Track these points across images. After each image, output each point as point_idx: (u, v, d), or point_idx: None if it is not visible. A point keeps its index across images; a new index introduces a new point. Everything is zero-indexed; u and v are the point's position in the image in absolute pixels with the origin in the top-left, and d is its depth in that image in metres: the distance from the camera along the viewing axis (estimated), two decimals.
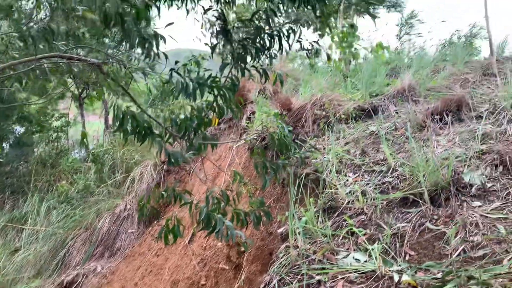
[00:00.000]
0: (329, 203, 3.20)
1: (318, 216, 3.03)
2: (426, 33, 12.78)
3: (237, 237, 2.95)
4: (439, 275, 2.06)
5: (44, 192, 10.63)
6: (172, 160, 2.94)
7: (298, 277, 2.39)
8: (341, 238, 2.70)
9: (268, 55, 2.96)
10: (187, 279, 5.85)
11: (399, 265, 2.24)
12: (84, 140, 11.79)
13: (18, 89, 8.28)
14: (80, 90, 12.68)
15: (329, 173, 3.85)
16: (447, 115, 4.35)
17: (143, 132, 2.93)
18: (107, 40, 10.08)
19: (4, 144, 12.16)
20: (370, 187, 3.22)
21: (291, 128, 3.98)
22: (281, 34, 2.90)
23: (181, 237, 3.27)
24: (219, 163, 7.58)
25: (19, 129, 12.51)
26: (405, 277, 2.05)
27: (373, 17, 11.91)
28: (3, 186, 11.47)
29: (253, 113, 7.24)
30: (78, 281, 7.86)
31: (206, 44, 3.63)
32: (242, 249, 5.35)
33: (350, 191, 3.29)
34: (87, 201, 9.49)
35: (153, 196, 3.61)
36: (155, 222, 8.33)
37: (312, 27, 10.93)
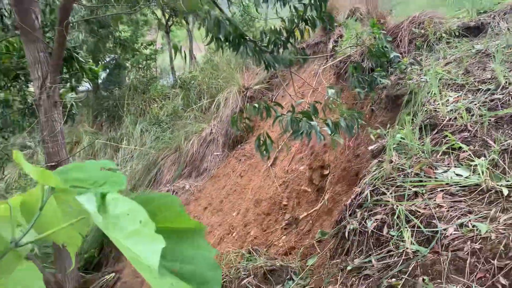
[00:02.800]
0: (428, 121, 2.99)
1: (414, 133, 2.86)
2: None
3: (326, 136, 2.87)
4: None
5: (136, 116, 11.37)
6: (269, 63, 2.88)
7: (393, 188, 2.31)
8: (440, 154, 2.53)
9: None
10: (269, 199, 6.05)
11: (508, 180, 2.06)
12: (178, 51, 12.07)
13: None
14: (166, 18, 12.93)
15: (427, 94, 3.58)
16: None
17: (236, 40, 2.90)
18: None
19: (102, 71, 13.01)
20: (475, 104, 2.95)
21: (390, 38, 3.70)
22: None
23: (271, 150, 3.30)
24: (303, 89, 7.46)
25: (114, 56, 13.22)
26: None
27: None
28: (101, 109, 12.43)
29: (341, 36, 6.89)
30: None
31: None
32: (325, 172, 5.36)
33: (451, 109, 3.04)
34: (176, 124, 10.01)
35: (243, 113, 3.65)
36: (239, 146, 8.60)
37: None
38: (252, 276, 3.19)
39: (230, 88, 9.15)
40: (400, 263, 1.75)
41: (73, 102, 3.50)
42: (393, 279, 1.68)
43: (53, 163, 3.23)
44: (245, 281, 3.13)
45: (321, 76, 6.42)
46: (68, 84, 3.64)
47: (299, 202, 5.48)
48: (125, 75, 13.26)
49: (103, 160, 0.56)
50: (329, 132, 2.62)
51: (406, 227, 1.93)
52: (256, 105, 3.33)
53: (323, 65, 6.38)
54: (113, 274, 7.76)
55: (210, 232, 6.87)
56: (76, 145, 11.82)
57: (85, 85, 15.58)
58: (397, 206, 2.08)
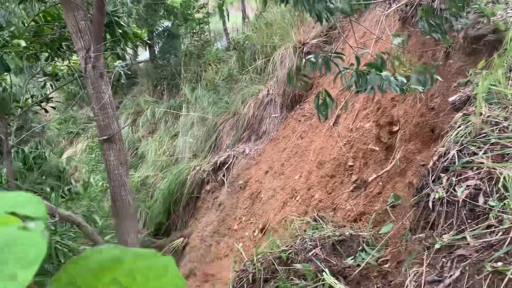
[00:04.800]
0: None
1: (508, 78, 2.37)
2: None
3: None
4: None
5: (193, 82, 11.31)
6: (321, 14, 2.49)
7: (486, 147, 1.90)
8: None
9: None
10: (333, 160, 5.71)
11: None
12: (223, 8, 11.63)
13: None
14: None
15: None
16: None
17: None
18: None
19: (158, 40, 13.04)
20: None
21: None
22: None
23: (331, 109, 2.95)
24: (365, 39, 6.86)
25: (167, 24, 13.16)
26: None
27: None
28: (160, 78, 12.53)
29: None
30: (230, 162, 8.46)
31: None
32: (394, 129, 4.89)
33: None
34: (232, 88, 9.81)
35: (300, 70, 3.29)
36: (297, 106, 8.25)
37: None
38: (319, 247, 2.94)
39: (285, 45, 8.70)
40: (507, 242, 1.39)
41: (121, 71, 3.38)
42: (499, 263, 1.33)
43: (105, 137, 3.12)
44: (311, 252, 2.90)
45: (385, 23, 5.82)
46: (112, 52, 3.51)
47: (366, 162, 5.09)
48: (180, 42, 13.17)
49: (20, 193, 0.28)
50: (405, 81, 2.21)
51: (510, 195, 1.54)
52: (313, 59, 2.96)
53: (386, 11, 5.75)
54: (181, 239, 7.95)
55: (272, 197, 6.72)
56: (139, 115, 12.10)
57: (143, 55, 15.84)
58: (495, 169, 1.69)
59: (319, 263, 2.45)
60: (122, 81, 3.82)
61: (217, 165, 8.55)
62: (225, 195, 7.98)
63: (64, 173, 5.29)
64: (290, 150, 7.21)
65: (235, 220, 7.38)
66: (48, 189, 5.04)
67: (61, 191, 5.21)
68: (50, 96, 4.65)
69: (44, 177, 4.64)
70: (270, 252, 3.36)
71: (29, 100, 4.65)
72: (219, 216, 7.75)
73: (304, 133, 7.21)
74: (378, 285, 1.95)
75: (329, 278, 2.11)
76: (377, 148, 4.94)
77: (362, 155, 5.19)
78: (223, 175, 8.36)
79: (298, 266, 2.60)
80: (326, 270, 2.28)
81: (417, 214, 1.99)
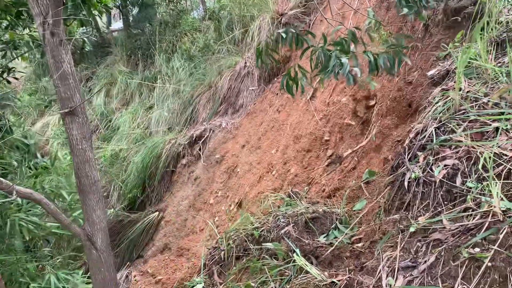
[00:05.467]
0: (505, 36, 2.38)
1: (489, 52, 2.28)
2: None
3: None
4: None
5: (169, 52, 10.93)
6: None
7: (465, 124, 1.81)
8: None
9: None
10: (309, 134, 5.63)
11: None
12: None
13: None
14: None
15: (500, 1, 2.91)
16: None
17: None
18: None
19: (132, 8, 12.51)
20: None
21: None
22: None
23: (307, 85, 2.80)
24: (344, 10, 6.69)
25: None
26: None
27: None
28: (134, 48, 12.07)
29: None
30: (206, 135, 8.29)
31: None
32: (371, 103, 4.82)
33: None
34: (208, 59, 9.53)
35: (277, 43, 3.10)
36: (275, 79, 8.07)
37: None
38: (292, 224, 2.87)
39: (263, 15, 8.43)
40: (485, 227, 1.31)
41: (85, 38, 3.13)
42: (476, 249, 1.26)
43: (67, 110, 2.93)
44: (284, 230, 2.82)
45: None
46: (74, 18, 3.25)
47: (342, 137, 5.03)
48: (155, 11, 12.64)
49: None
50: (359, 75, 2.06)
51: (490, 177, 1.46)
52: (284, 34, 2.78)
53: None
54: (156, 213, 7.84)
55: (249, 171, 6.63)
56: (112, 86, 11.70)
57: (117, 24, 15.22)
58: (475, 147, 1.60)
59: (290, 243, 2.37)
60: (87, 49, 3.58)
61: (193, 138, 8.37)
62: (201, 169, 7.85)
63: (31, 147, 5.05)
64: (267, 124, 7.09)
65: (211, 194, 7.29)
66: (15, 163, 4.82)
67: (26, 165, 4.98)
68: (11, 66, 4.37)
69: (6, 152, 4.40)
70: (243, 229, 3.28)
71: None
72: (195, 191, 7.64)
73: (281, 107, 7.08)
74: (350, 267, 1.88)
75: (299, 260, 2.03)
76: (353, 123, 4.87)
77: (338, 129, 5.12)
78: (199, 149, 8.20)
79: (269, 245, 2.52)
80: (298, 250, 2.21)
81: (391, 194, 1.92)
